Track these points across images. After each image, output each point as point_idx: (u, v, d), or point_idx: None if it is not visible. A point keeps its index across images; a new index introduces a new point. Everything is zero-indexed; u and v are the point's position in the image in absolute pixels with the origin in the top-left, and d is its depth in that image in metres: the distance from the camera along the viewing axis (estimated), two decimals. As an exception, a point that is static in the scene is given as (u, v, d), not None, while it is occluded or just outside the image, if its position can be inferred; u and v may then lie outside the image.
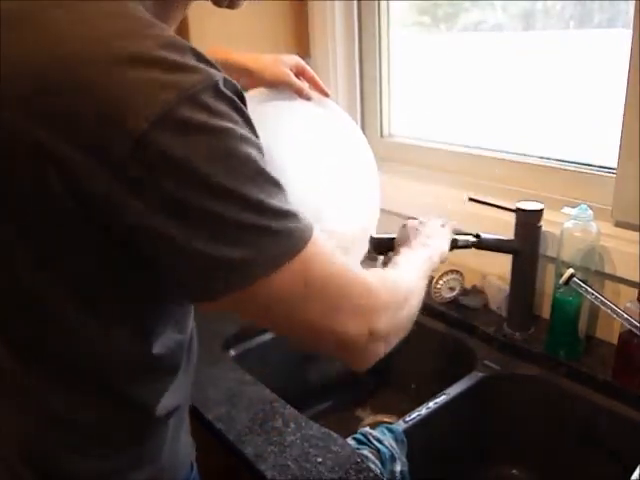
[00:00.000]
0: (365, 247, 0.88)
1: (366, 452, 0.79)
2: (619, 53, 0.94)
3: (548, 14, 1.19)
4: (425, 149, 1.36)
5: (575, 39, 1.15)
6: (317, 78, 0.89)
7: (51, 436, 0.57)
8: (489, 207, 1.09)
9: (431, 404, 0.91)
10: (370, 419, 1.18)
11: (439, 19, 1.42)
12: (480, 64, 1.32)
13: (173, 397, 0.62)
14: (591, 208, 0.94)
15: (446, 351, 1.14)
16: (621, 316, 0.83)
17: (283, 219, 0.48)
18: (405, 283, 0.63)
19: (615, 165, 0.99)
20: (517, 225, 1.01)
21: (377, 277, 0.57)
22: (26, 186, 0.46)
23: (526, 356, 1.01)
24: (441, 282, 1.14)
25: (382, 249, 0.92)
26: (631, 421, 0.88)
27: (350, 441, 0.81)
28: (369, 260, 0.90)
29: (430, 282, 1.12)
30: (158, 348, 0.57)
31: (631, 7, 0.91)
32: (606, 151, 1.02)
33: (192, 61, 0.45)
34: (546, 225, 1.01)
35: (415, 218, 0.90)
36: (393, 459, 0.80)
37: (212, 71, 0.45)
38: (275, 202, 0.47)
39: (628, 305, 0.87)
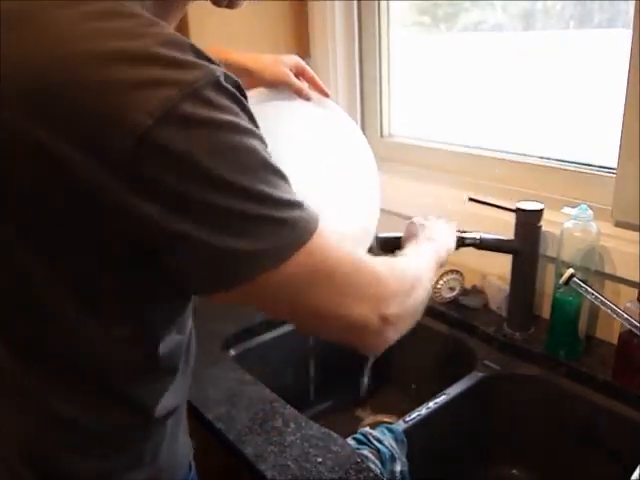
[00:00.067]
0: (366, 247, 0.88)
1: (366, 452, 0.79)
2: (619, 53, 0.94)
3: (548, 14, 1.19)
4: (425, 149, 1.36)
5: (575, 39, 1.15)
6: (317, 78, 0.89)
7: (51, 436, 0.57)
8: (489, 207, 1.09)
9: (431, 404, 0.91)
10: (370, 419, 1.18)
11: (439, 19, 1.42)
12: (480, 64, 1.32)
13: (172, 397, 0.62)
14: (591, 208, 0.94)
15: (446, 351, 1.14)
16: (621, 316, 0.83)
17: (288, 209, 0.48)
18: (412, 271, 0.64)
19: (615, 165, 0.98)
20: (517, 225, 1.01)
21: (385, 265, 0.58)
22: (26, 186, 0.46)
23: (526, 356, 1.01)
24: (441, 282, 1.13)
25: (389, 248, 0.92)
26: (631, 421, 0.88)
27: (350, 441, 0.81)
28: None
29: (430, 282, 1.12)
30: (159, 348, 0.57)
31: (631, 7, 0.91)
32: (606, 151, 1.02)
33: (192, 58, 0.45)
34: (546, 225, 1.01)
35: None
36: (393, 459, 0.80)
37: (213, 67, 0.45)
38: (279, 193, 0.48)
39: (628, 305, 0.87)
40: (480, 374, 0.98)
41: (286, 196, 0.48)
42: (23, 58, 0.45)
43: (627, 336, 0.88)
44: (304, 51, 1.45)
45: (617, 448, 0.90)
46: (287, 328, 1.16)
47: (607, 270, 0.98)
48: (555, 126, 1.18)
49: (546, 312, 1.06)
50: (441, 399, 0.92)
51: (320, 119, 0.89)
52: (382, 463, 0.79)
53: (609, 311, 0.85)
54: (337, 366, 1.21)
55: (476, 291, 1.18)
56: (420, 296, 0.63)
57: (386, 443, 0.81)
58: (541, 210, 0.99)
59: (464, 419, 0.97)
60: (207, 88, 0.44)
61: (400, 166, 1.36)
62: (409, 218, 0.90)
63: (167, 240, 0.46)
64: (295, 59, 0.88)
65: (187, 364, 0.65)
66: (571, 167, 1.09)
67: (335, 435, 0.81)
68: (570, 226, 0.95)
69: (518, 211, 1.00)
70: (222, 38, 1.23)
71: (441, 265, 0.81)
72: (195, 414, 0.87)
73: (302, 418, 0.86)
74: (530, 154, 1.17)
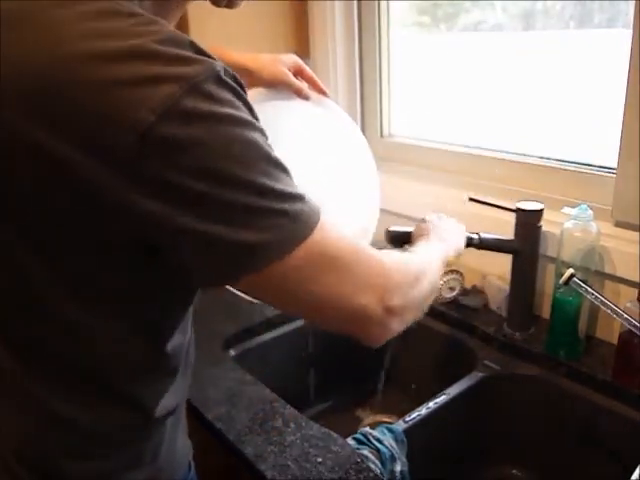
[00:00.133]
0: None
1: (366, 452, 0.79)
2: (619, 53, 0.94)
3: (548, 14, 1.19)
4: (425, 149, 1.36)
5: (575, 39, 1.15)
6: (316, 78, 0.89)
7: (51, 436, 0.57)
8: (489, 207, 1.09)
9: (431, 404, 0.90)
10: (370, 419, 1.17)
11: (439, 19, 1.42)
12: (480, 64, 1.32)
13: (172, 397, 0.62)
14: (591, 208, 0.94)
15: (446, 351, 1.14)
16: (621, 316, 0.83)
17: (290, 202, 0.48)
18: (416, 264, 0.64)
19: (615, 165, 0.98)
20: (517, 225, 1.01)
21: (389, 257, 0.58)
22: (26, 186, 0.46)
23: (526, 356, 1.01)
24: (441, 282, 1.13)
25: (399, 242, 0.92)
26: (631, 421, 0.88)
27: (350, 441, 0.81)
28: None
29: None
30: (159, 349, 0.57)
31: (631, 7, 0.91)
32: (606, 151, 1.02)
33: (192, 54, 0.45)
34: (546, 225, 1.01)
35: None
36: (393, 459, 0.80)
37: (213, 61, 0.46)
38: (281, 185, 0.48)
39: (628, 305, 0.87)
40: (480, 374, 0.98)
41: (288, 189, 0.48)
42: (23, 58, 0.45)
43: (627, 336, 0.88)
44: (304, 51, 1.45)
45: (617, 448, 0.90)
46: (287, 328, 1.16)
47: (607, 270, 0.98)
48: (555, 126, 1.18)
49: (546, 312, 1.06)
50: (441, 399, 0.92)
51: (319, 118, 0.89)
52: (382, 463, 0.79)
53: (609, 311, 0.85)
54: (337, 366, 1.21)
55: (476, 291, 1.18)
56: (425, 289, 0.62)
57: (386, 443, 0.81)
58: (541, 210, 0.99)
59: (464, 419, 0.97)
60: (208, 82, 0.44)
61: (400, 166, 1.36)
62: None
63: (170, 235, 0.46)
64: (294, 58, 0.88)
65: (187, 364, 0.65)
66: (571, 167, 1.09)
67: (335, 435, 0.81)
68: (570, 226, 0.95)
69: (518, 211, 1.00)
70: (222, 38, 1.23)
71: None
72: (195, 414, 0.87)
73: (302, 418, 0.86)
74: (530, 154, 1.17)
